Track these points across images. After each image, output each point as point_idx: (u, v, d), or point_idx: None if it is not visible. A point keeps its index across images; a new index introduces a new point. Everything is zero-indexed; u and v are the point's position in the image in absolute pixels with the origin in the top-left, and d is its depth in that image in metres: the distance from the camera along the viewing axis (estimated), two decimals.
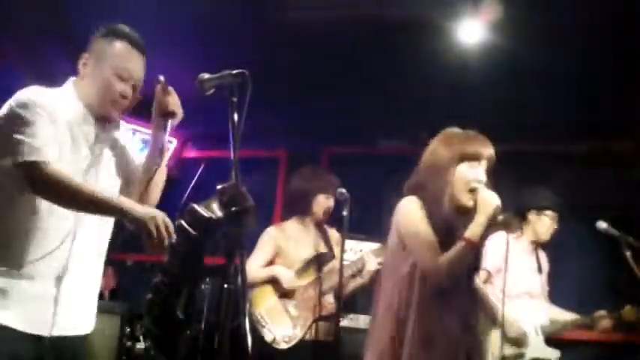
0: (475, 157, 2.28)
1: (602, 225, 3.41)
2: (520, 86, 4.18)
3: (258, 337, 3.22)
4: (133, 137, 5.34)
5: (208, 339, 3.96)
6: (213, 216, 1.56)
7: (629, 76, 3.98)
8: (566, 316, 3.53)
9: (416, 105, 4.62)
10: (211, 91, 1.74)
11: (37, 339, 1.79)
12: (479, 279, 3.31)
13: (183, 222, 1.63)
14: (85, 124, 1.92)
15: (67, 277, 1.85)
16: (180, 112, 2.02)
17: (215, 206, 1.56)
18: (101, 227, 1.98)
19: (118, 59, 1.93)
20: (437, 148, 2.36)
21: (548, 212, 3.50)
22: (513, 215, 3.41)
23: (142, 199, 2.01)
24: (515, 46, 3.75)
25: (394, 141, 5.23)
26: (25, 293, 1.78)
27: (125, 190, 2.06)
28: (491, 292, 3.36)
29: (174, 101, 2.01)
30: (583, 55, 3.82)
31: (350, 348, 3.50)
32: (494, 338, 3.31)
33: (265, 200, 5.17)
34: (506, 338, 3.29)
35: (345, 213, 3.25)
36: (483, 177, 2.26)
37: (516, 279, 3.37)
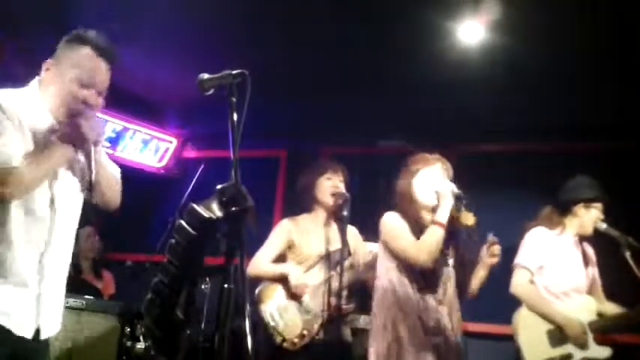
0: (425, 166, 2.79)
1: (602, 225, 3.39)
2: (520, 86, 4.18)
3: (267, 336, 3.15)
4: (133, 137, 5.35)
5: (208, 339, 3.96)
6: (213, 216, 1.56)
7: (629, 77, 3.98)
8: (617, 309, 3.38)
9: (416, 105, 4.63)
10: (211, 91, 1.74)
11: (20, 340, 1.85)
12: (522, 278, 3.31)
13: (183, 222, 1.62)
14: (48, 132, 1.90)
15: (44, 281, 1.91)
16: (101, 140, 1.96)
17: (215, 206, 1.56)
18: (69, 234, 2.03)
19: (81, 67, 1.90)
20: (398, 182, 2.86)
21: (597, 204, 3.39)
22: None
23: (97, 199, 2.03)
24: (515, 46, 3.75)
25: (394, 141, 5.23)
26: (14, 298, 1.83)
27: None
28: (536, 291, 3.30)
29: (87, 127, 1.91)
30: (583, 56, 3.82)
31: (360, 349, 3.48)
32: (537, 339, 3.25)
33: (265, 200, 5.17)
34: (566, 338, 3.21)
35: (345, 213, 3.25)
36: (440, 177, 2.76)
37: (562, 275, 3.32)
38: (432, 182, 2.75)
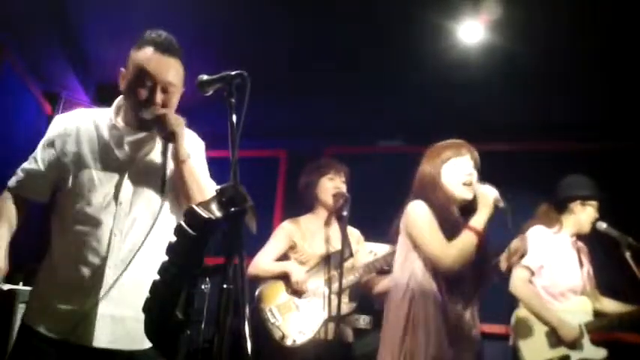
0: (456, 155, 2.60)
1: (602, 225, 3.39)
2: (519, 86, 4.18)
3: (267, 333, 3.15)
4: None
5: (208, 340, 3.97)
6: (212, 216, 1.56)
7: (629, 77, 3.98)
8: (619, 307, 3.39)
9: (416, 105, 4.62)
10: (211, 91, 1.74)
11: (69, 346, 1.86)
12: (521, 277, 3.28)
13: (182, 222, 1.62)
14: (114, 130, 1.99)
15: (105, 288, 1.90)
16: (180, 132, 1.98)
17: (214, 207, 1.56)
18: (151, 232, 1.98)
19: (139, 65, 1.93)
20: (422, 167, 2.65)
21: (593, 202, 3.39)
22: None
23: (182, 201, 2.04)
24: (515, 46, 3.75)
25: (394, 141, 5.23)
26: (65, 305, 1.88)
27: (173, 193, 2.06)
28: (534, 291, 3.28)
29: (170, 121, 1.95)
30: (583, 56, 3.82)
31: (360, 349, 3.47)
32: (535, 340, 3.25)
33: (265, 200, 5.17)
34: (560, 341, 3.19)
35: (345, 213, 3.25)
36: (470, 169, 2.57)
37: (560, 276, 3.31)
38: (462, 175, 2.56)
